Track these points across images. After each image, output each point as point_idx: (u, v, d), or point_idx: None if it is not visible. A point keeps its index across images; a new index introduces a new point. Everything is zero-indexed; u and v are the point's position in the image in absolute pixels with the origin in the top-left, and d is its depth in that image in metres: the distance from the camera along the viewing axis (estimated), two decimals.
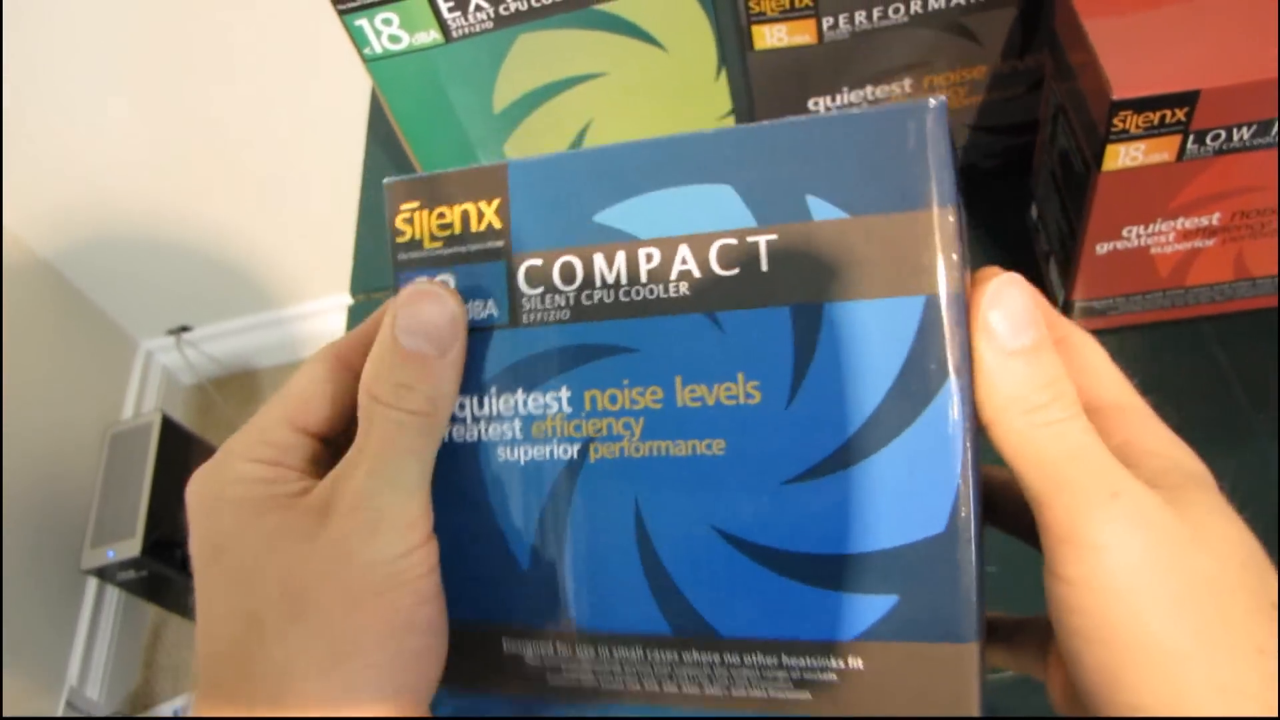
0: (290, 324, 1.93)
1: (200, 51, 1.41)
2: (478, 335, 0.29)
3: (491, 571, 0.30)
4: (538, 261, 0.29)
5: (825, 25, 0.54)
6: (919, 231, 0.25)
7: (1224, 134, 0.44)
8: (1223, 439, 0.51)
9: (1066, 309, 0.56)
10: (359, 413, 0.28)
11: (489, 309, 0.29)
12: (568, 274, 0.28)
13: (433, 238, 0.30)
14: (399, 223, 0.30)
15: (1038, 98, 0.59)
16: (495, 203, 0.29)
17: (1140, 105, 0.43)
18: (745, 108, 0.61)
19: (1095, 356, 0.27)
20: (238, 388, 2.00)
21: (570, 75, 0.57)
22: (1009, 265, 0.59)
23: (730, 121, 0.61)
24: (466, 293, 0.29)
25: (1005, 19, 0.55)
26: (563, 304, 0.28)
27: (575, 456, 0.29)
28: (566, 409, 0.29)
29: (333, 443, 0.30)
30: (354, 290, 0.75)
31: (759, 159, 0.26)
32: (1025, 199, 0.61)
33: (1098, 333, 0.56)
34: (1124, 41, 0.45)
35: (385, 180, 0.30)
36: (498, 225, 0.29)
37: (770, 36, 0.55)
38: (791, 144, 0.26)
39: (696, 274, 0.27)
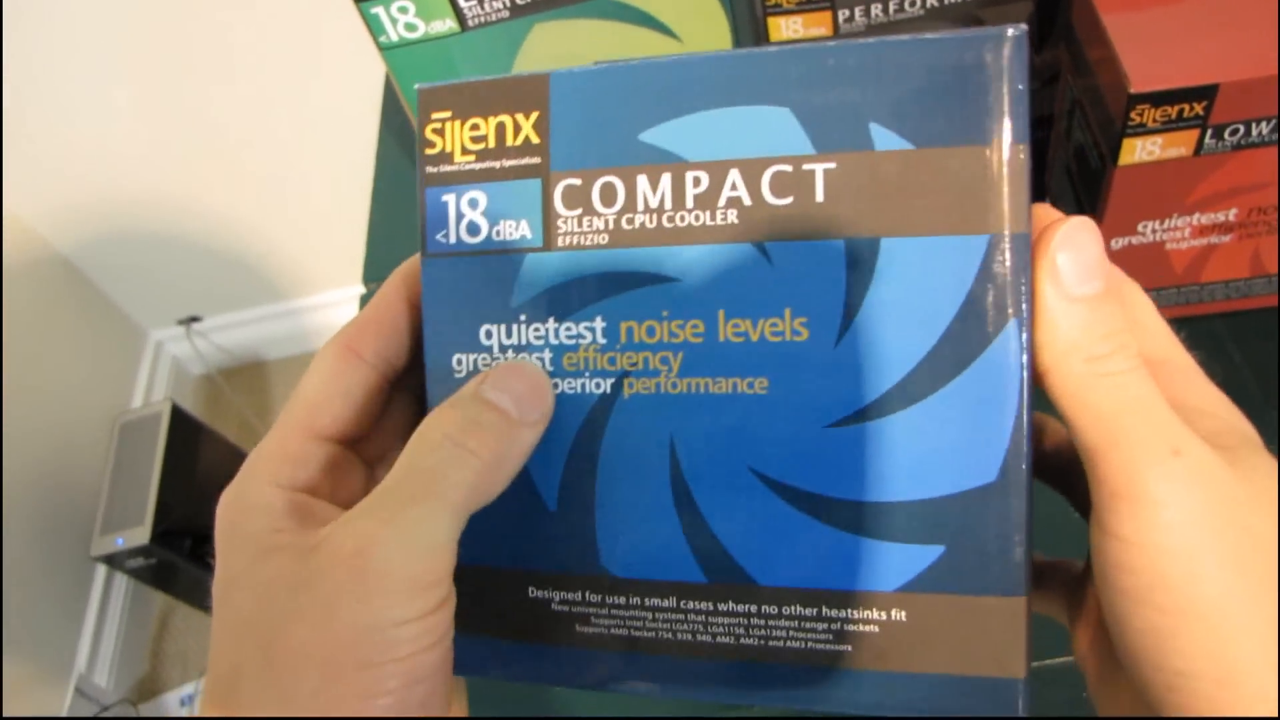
0: (300, 315, 1.93)
1: (210, 44, 1.42)
2: (508, 258, 0.28)
3: (516, 512, 0.28)
4: (576, 181, 0.27)
5: (841, 18, 0.54)
6: (987, 167, 0.24)
7: (1242, 129, 0.44)
8: None
9: None
10: (408, 446, 0.25)
11: (521, 230, 0.27)
12: (608, 195, 0.27)
13: (464, 150, 0.28)
14: (429, 133, 0.28)
15: (1052, 93, 0.59)
16: (534, 116, 0.27)
17: (1158, 99, 0.43)
18: None
19: (1145, 309, 0.26)
20: (247, 378, 2.00)
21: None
22: None
23: None
24: (498, 211, 0.28)
25: (1021, 13, 0.55)
26: (601, 227, 0.27)
27: (609, 391, 0.27)
28: (601, 340, 0.27)
29: (363, 444, 0.29)
30: (366, 279, 0.75)
31: (821, 82, 0.25)
32: (1038, 194, 0.61)
33: None
34: (1142, 35, 0.45)
35: (417, 85, 0.28)
36: (535, 140, 0.27)
37: (786, 28, 0.54)
38: (858, 67, 0.24)
39: (747, 201, 0.26)
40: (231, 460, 1.69)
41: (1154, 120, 0.44)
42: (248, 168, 1.62)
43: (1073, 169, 0.53)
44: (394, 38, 0.54)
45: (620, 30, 0.55)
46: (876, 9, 0.53)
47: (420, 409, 0.29)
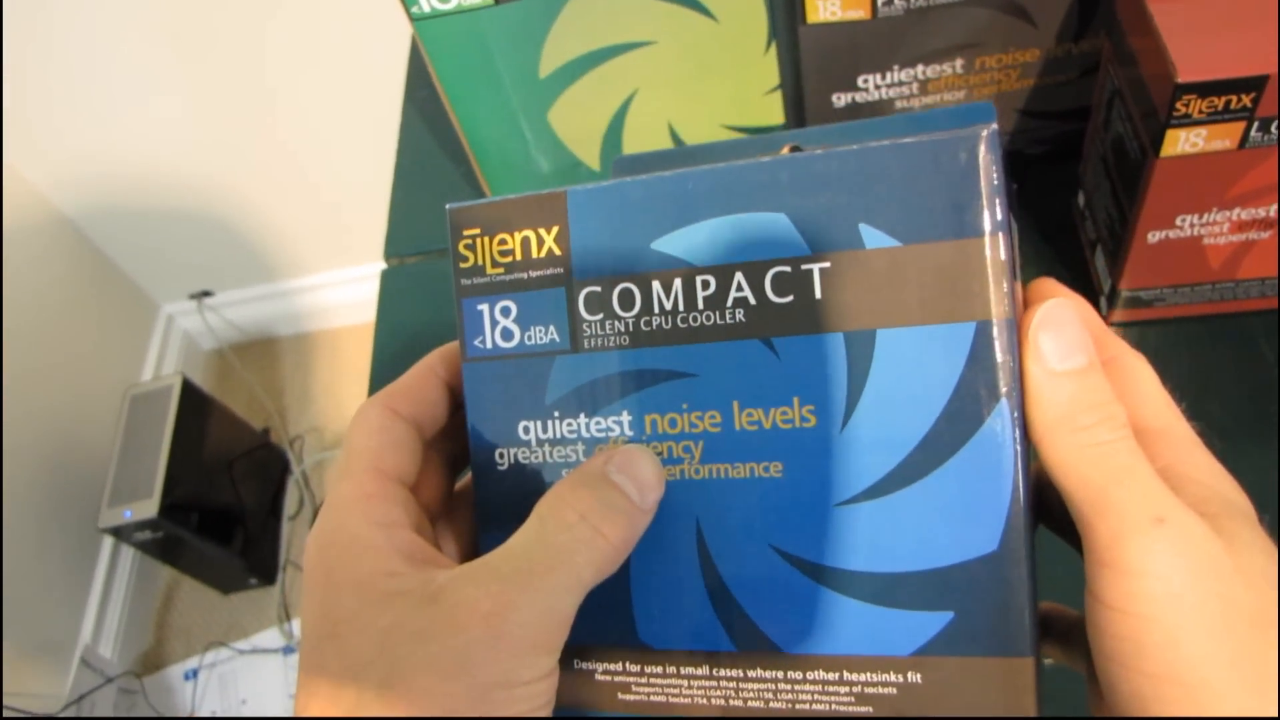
0: (312, 293, 1.93)
1: (233, 18, 1.41)
2: (540, 360, 0.30)
3: None
4: (597, 288, 0.29)
5: (880, 0, 0.53)
6: (971, 259, 0.25)
7: None
8: (1268, 437, 0.51)
9: (1112, 298, 0.55)
10: (534, 518, 0.27)
11: (550, 334, 0.30)
12: (626, 300, 0.29)
13: (494, 263, 0.30)
14: (461, 248, 0.31)
15: (1090, 83, 0.58)
16: (555, 230, 0.29)
17: (1205, 89, 0.43)
18: (792, 83, 0.60)
19: (1146, 379, 0.27)
20: (257, 354, 2.00)
21: (618, 43, 0.56)
22: (1054, 253, 0.59)
23: (777, 96, 0.60)
24: (528, 318, 0.30)
25: (1063, 1, 0.54)
26: (622, 329, 0.29)
27: None
28: (628, 432, 0.29)
29: (413, 490, 0.30)
30: (387, 255, 0.75)
31: (812, 187, 0.27)
32: (1072, 186, 0.61)
33: (1142, 323, 0.55)
34: (1189, 25, 0.44)
35: (448, 206, 0.31)
36: (558, 252, 0.29)
37: (824, 10, 0.54)
38: (844, 173, 0.26)
39: (752, 301, 0.28)
40: (240, 435, 1.69)
41: (1200, 111, 0.43)
42: (265, 143, 1.61)
43: (1110, 160, 0.53)
44: (426, 9, 0.54)
45: (655, 8, 0.55)
46: None
47: (449, 471, 0.33)
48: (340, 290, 1.91)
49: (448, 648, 0.24)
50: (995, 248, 0.25)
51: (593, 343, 0.29)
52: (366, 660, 0.25)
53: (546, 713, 0.26)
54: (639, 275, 0.29)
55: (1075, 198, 0.60)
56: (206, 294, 1.90)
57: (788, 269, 0.27)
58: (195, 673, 1.58)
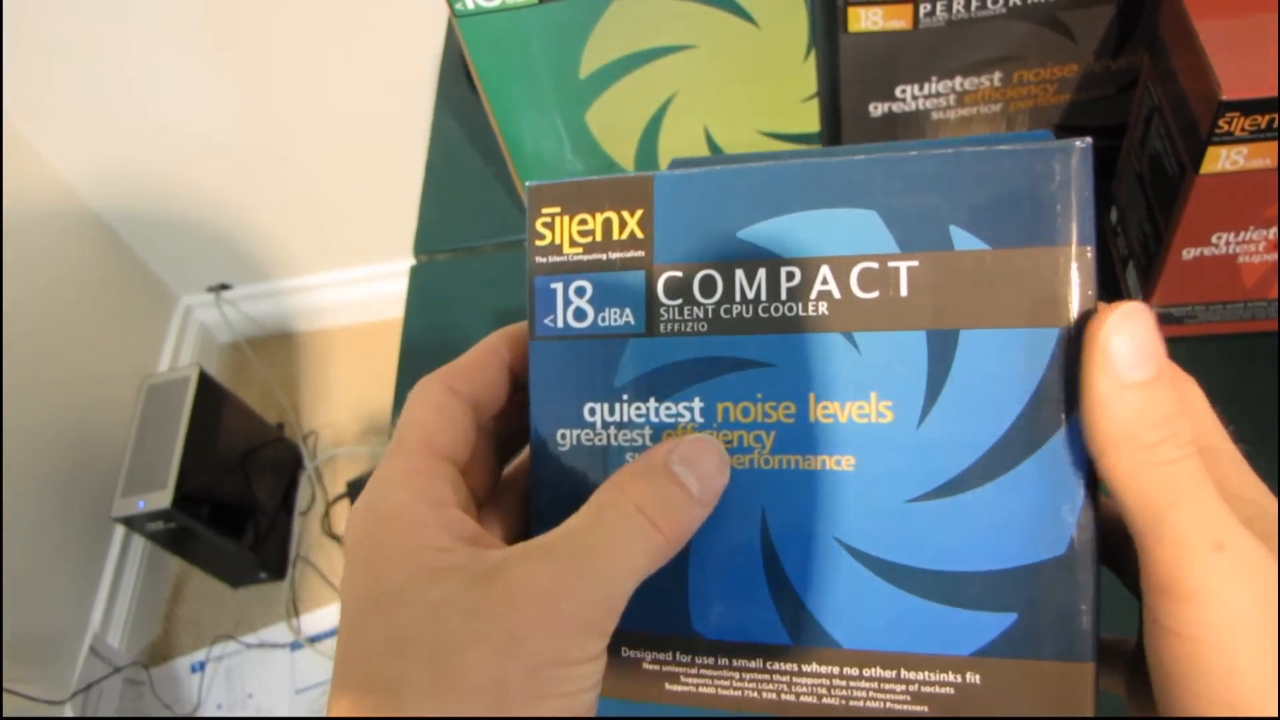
0: (329, 290, 1.94)
1: (262, 17, 1.42)
2: (612, 342, 0.30)
3: None
4: (678, 274, 0.29)
5: (922, 12, 0.53)
6: (1058, 267, 0.26)
7: None
8: None
9: None
10: (593, 503, 0.27)
11: (626, 317, 0.30)
12: (708, 287, 0.29)
13: (573, 243, 0.30)
14: (539, 226, 0.31)
15: (1127, 100, 0.58)
16: (639, 213, 0.29)
17: (1249, 107, 0.43)
18: (829, 91, 0.61)
19: (1197, 398, 0.27)
20: (273, 349, 2.01)
21: (660, 45, 0.57)
22: None
23: (813, 104, 0.60)
24: (603, 300, 0.30)
25: (1103, 17, 0.54)
26: (701, 316, 0.29)
27: None
28: (699, 419, 0.29)
29: (463, 470, 0.30)
30: (417, 251, 0.75)
31: (905, 188, 0.27)
32: (1104, 202, 0.61)
33: (1173, 340, 0.55)
34: (1232, 43, 0.44)
35: (528, 183, 0.31)
36: (640, 235, 0.29)
37: (865, 19, 0.54)
38: (938, 175, 0.27)
39: (836, 295, 0.28)
40: (255, 429, 1.70)
41: (1242, 129, 0.43)
42: (290, 138, 1.62)
43: (1146, 177, 0.53)
44: (470, 5, 0.54)
45: (698, 12, 0.55)
46: (958, 4, 0.53)
47: (499, 455, 0.32)
48: (358, 287, 1.92)
49: (501, 624, 0.24)
50: (1083, 257, 0.26)
51: (669, 327, 0.29)
52: (414, 633, 0.25)
53: (594, 695, 0.26)
54: (723, 263, 0.29)
55: (1107, 214, 0.61)
56: (225, 287, 1.91)
57: (875, 265, 0.27)
58: (203, 665, 1.58)
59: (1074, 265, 0.26)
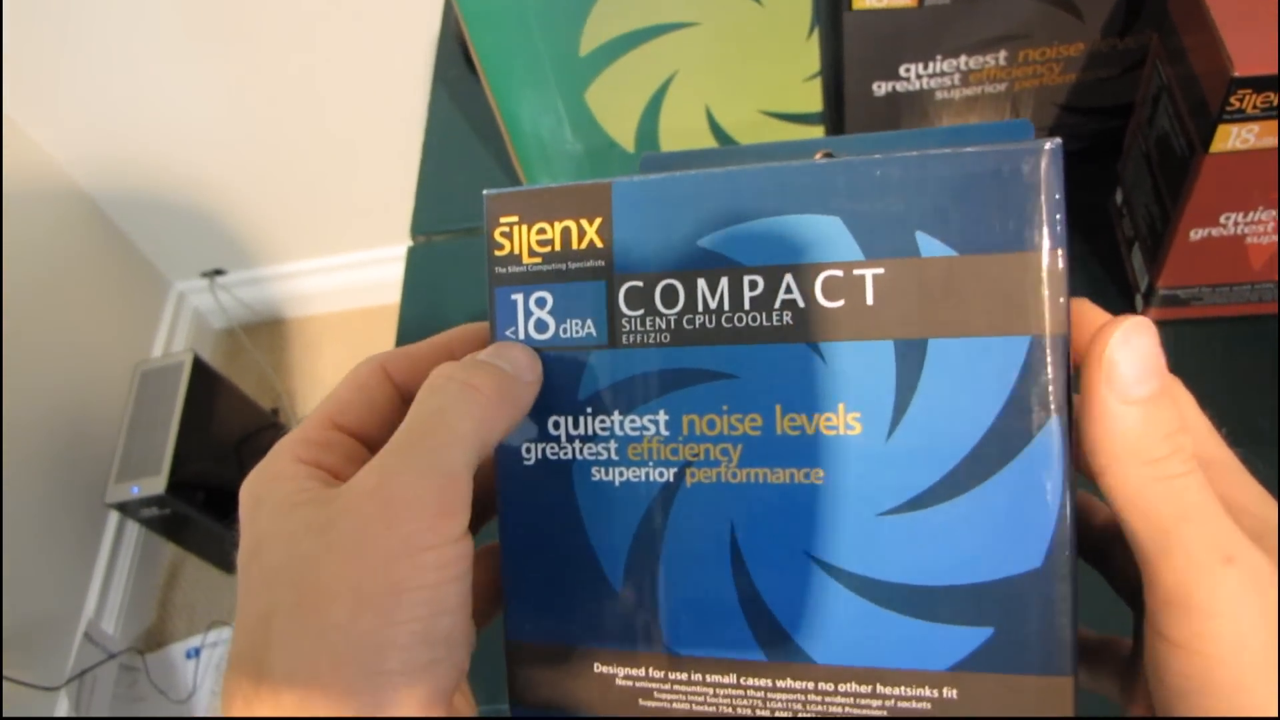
0: (323, 274, 1.93)
1: (259, 2, 1.41)
2: (574, 355, 0.29)
3: (584, 593, 0.30)
4: (639, 283, 0.28)
5: None
6: (1028, 273, 0.25)
7: None
8: None
9: (1149, 296, 0.54)
10: (417, 396, 0.27)
11: (587, 328, 0.29)
12: (669, 297, 0.28)
13: (531, 253, 0.30)
14: (497, 235, 0.30)
15: (1133, 80, 0.58)
16: (597, 221, 0.29)
17: (1261, 84, 0.42)
18: (832, 70, 0.60)
19: (1190, 406, 0.27)
20: (268, 335, 2.00)
21: (660, 23, 0.56)
22: (1089, 250, 0.58)
23: (816, 84, 0.60)
24: (564, 311, 0.29)
25: None
26: (663, 327, 0.28)
27: (671, 480, 0.29)
28: (664, 432, 0.28)
29: (375, 448, 0.30)
30: (414, 232, 0.74)
31: (869, 192, 0.26)
32: (1109, 183, 0.60)
33: (1179, 322, 0.55)
34: (1245, 20, 0.44)
35: (485, 191, 0.30)
36: (599, 244, 0.29)
37: None
38: (904, 179, 0.26)
39: (801, 304, 0.27)
40: (249, 415, 1.69)
41: (1254, 106, 0.43)
42: (283, 123, 1.61)
43: (1153, 157, 0.52)
44: None
45: None
46: None
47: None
48: (352, 273, 1.91)
49: (345, 530, 0.24)
50: (1054, 262, 0.25)
51: (632, 339, 0.29)
52: (279, 564, 0.25)
53: (464, 587, 0.25)
54: (684, 272, 0.28)
55: (1113, 195, 0.60)
56: (219, 272, 1.90)
57: (839, 273, 0.27)
58: (198, 651, 1.58)
59: (1044, 271, 0.25)
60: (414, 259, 0.73)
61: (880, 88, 0.59)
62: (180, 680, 1.56)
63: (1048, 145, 0.25)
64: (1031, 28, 0.55)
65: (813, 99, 0.61)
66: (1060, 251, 0.25)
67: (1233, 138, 0.45)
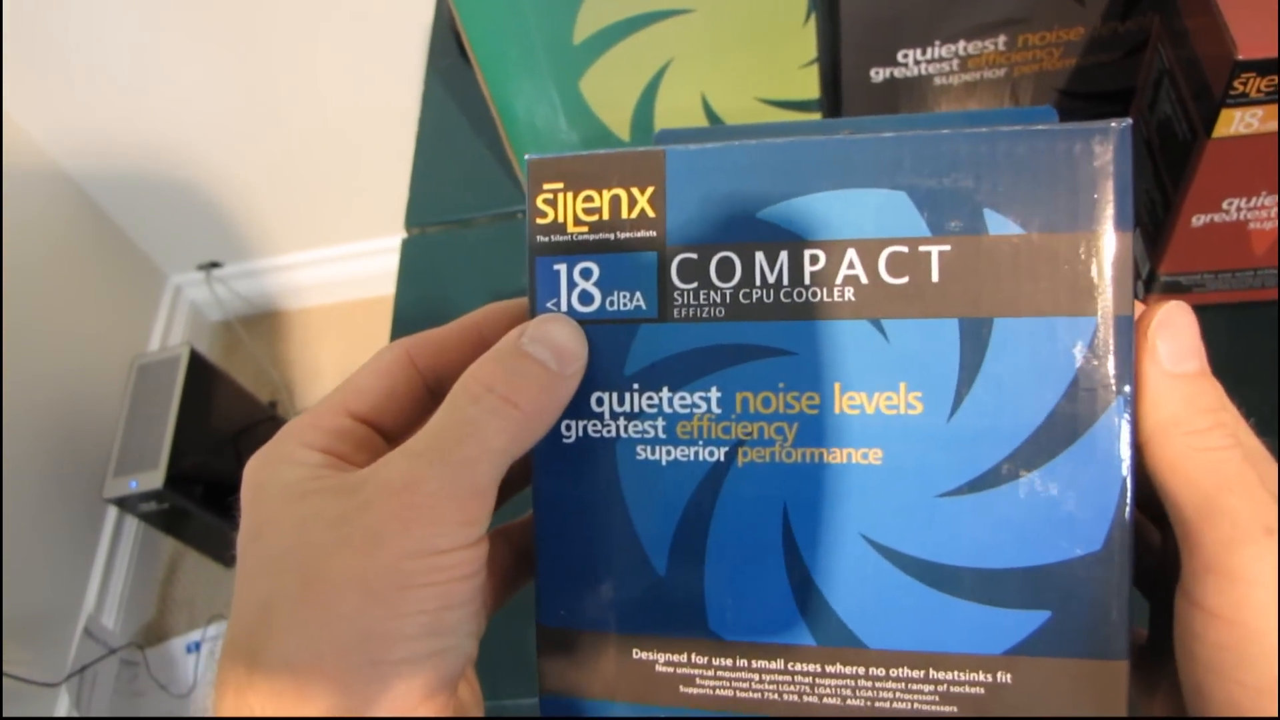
0: (321, 266, 1.92)
1: None
2: (621, 328, 0.28)
3: (624, 576, 0.29)
4: (693, 255, 0.28)
5: None
6: (1095, 253, 0.25)
7: None
8: None
9: (1150, 282, 0.54)
10: (447, 399, 0.26)
11: (636, 301, 0.28)
12: (725, 270, 0.27)
13: (577, 221, 0.28)
14: (540, 203, 0.29)
15: (1134, 65, 0.57)
16: (650, 190, 0.28)
17: (1265, 68, 0.42)
18: (829, 57, 0.59)
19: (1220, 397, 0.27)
20: (265, 327, 1.99)
21: (655, 10, 0.55)
22: None
23: (813, 70, 0.59)
24: (611, 282, 0.28)
25: None
26: (718, 300, 0.27)
27: (722, 459, 0.28)
28: (716, 410, 0.28)
29: (392, 437, 0.29)
30: (408, 224, 0.74)
31: (936, 168, 0.26)
32: None
33: None
34: (1248, 4, 0.43)
35: (527, 156, 0.29)
36: (651, 214, 0.28)
37: None
38: (972, 155, 0.26)
39: (863, 280, 0.26)
40: (247, 408, 1.69)
41: (1258, 90, 0.42)
42: (278, 113, 1.60)
43: (1154, 142, 0.51)
44: None
45: None
46: None
47: None
48: (350, 264, 1.90)
49: (360, 525, 0.24)
50: (1123, 243, 0.25)
51: (684, 312, 0.28)
52: (284, 550, 0.25)
53: (475, 585, 0.25)
54: (741, 245, 0.27)
55: None
56: (215, 265, 1.89)
57: (904, 249, 0.26)
58: (198, 645, 1.58)
59: (1112, 251, 0.25)
60: (408, 251, 0.72)
61: (878, 74, 0.58)
62: (181, 675, 1.56)
63: (1119, 125, 0.25)
64: (1031, 12, 0.54)
65: (809, 85, 0.60)
66: (1128, 232, 0.25)
67: (1236, 122, 0.44)
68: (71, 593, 1.52)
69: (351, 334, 1.93)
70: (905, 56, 0.57)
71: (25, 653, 1.36)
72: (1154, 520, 0.29)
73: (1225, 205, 0.49)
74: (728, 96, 0.60)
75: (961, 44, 0.56)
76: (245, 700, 0.24)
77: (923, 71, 0.58)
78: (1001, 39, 0.56)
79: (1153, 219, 0.53)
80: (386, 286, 0.70)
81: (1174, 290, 0.54)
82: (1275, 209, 0.48)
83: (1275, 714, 0.22)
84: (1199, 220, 0.50)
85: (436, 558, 0.24)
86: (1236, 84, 0.42)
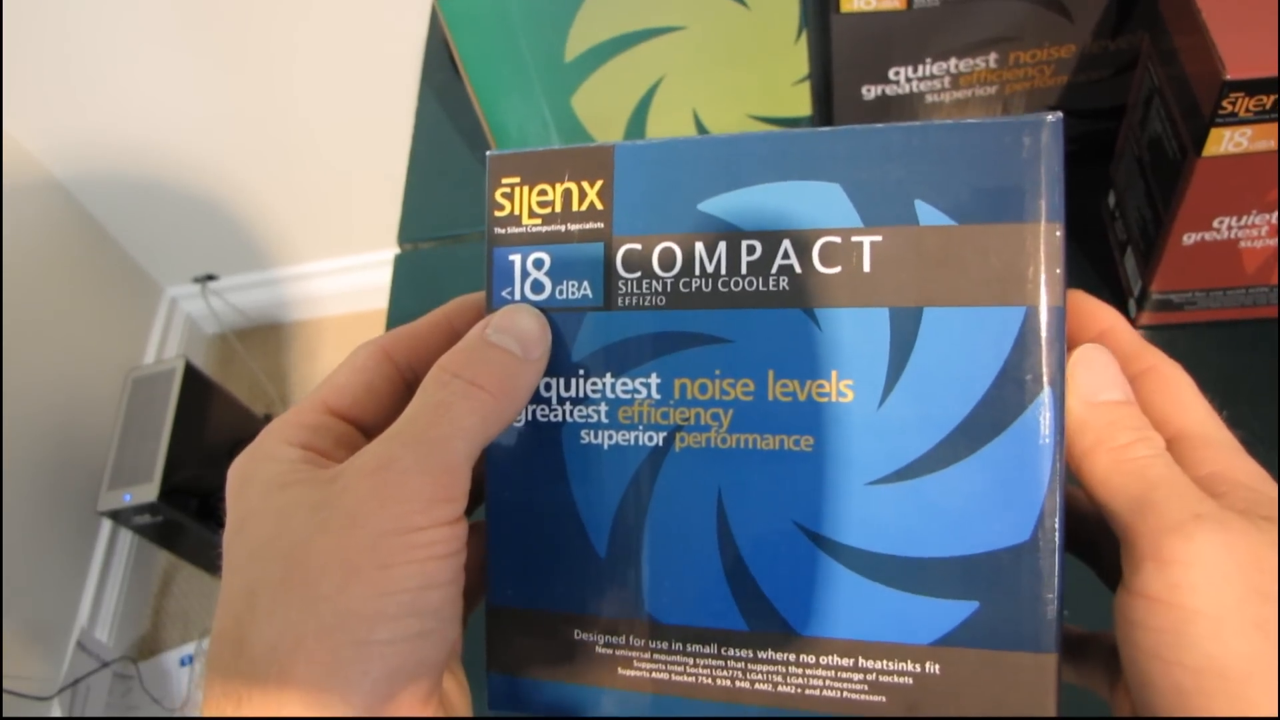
0: (316, 279, 1.92)
1: (245, 2, 1.40)
2: (569, 316, 0.29)
3: (567, 558, 0.29)
4: (637, 246, 0.28)
5: None
6: (1025, 244, 0.25)
7: None
8: None
9: (1142, 300, 0.54)
10: (419, 389, 0.27)
11: (583, 290, 0.29)
12: (667, 260, 0.28)
13: (531, 214, 0.29)
14: (498, 196, 0.30)
15: (1124, 82, 0.57)
16: (598, 184, 0.29)
17: (1253, 88, 0.42)
18: (821, 74, 0.59)
19: (1185, 386, 0.27)
20: (260, 340, 1.99)
21: (647, 27, 0.55)
22: (1082, 254, 0.58)
23: (804, 87, 0.59)
24: (561, 272, 0.29)
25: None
26: (660, 290, 0.28)
27: (660, 444, 0.28)
28: (655, 395, 0.28)
29: (371, 432, 0.30)
30: (401, 240, 0.74)
31: (870, 160, 0.26)
32: (1101, 186, 0.60)
33: (1172, 327, 0.54)
34: (1237, 23, 0.43)
35: (488, 153, 0.30)
36: (599, 207, 0.29)
37: (857, 0, 0.53)
38: (905, 148, 0.26)
39: (797, 269, 0.27)
40: (242, 422, 1.68)
41: (1247, 110, 0.42)
42: (274, 127, 1.60)
43: (1145, 160, 0.52)
44: None
45: None
46: None
47: None
48: (345, 277, 1.90)
49: (339, 509, 0.24)
50: (1052, 234, 0.25)
51: (627, 301, 0.29)
52: (267, 539, 0.25)
53: (456, 564, 0.26)
54: (682, 235, 0.28)
55: (1105, 198, 0.59)
56: (211, 278, 1.89)
57: (837, 239, 0.27)
58: (191, 659, 1.57)
59: (1042, 243, 0.25)
60: (401, 267, 0.72)
61: (869, 91, 0.58)
62: (174, 688, 1.55)
63: (1049, 118, 0.25)
64: (1021, 30, 0.55)
65: (801, 103, 0.60)
66: (1057, 224, 0.25)
67: (1225, 141, 0.44)
68: (65, 605, 1.51)
69: (346, 347, 1.91)
70: (897, 74, 0.57)
71: (18, 665, 1.35)
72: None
73: (1216, 224, 0.49)
74: (720, 113, 0.61)
75: (953, 61, 0.56)
76: (231, 687, 0.24)
77: (914, 89, 0.58)
78: (993, 56, 0.56)
79: (1144, 237, 0.53)
80: (381, 300, 0.70)
81: (1166, 308, 0.54)
82: (1266, 227, 0.48)
83: (1214, 694, 0.22)
84: (1190, 239, 0.50)
85: (415, 534, 0.24)
86: (1225, 104, 0.42)
